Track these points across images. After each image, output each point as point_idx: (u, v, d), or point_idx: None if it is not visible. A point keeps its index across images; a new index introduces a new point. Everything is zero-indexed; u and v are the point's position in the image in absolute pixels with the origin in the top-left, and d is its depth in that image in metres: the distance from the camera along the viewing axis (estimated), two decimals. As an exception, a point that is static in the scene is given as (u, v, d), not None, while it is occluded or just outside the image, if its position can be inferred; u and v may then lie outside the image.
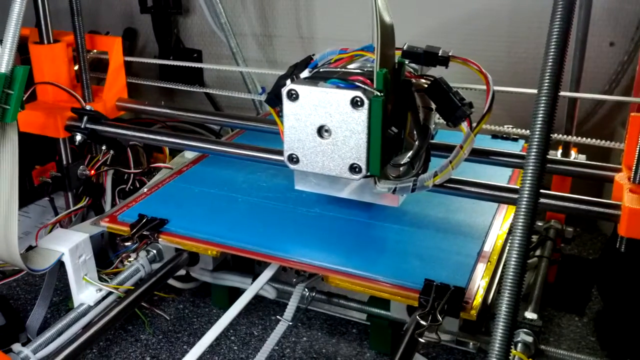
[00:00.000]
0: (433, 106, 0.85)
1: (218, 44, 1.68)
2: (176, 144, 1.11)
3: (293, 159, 0.86)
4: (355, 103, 0.78)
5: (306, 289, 0.97)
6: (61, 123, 1.14)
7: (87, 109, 1.14)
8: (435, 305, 0.78)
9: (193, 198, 1.09)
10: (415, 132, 0.87)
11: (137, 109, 1.29)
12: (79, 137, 1.12)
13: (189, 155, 1.24)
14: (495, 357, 0.62)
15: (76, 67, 1.23)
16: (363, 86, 0.79)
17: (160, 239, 0.98)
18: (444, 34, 1.42)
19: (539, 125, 0.63)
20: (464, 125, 0.81)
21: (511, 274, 0.62)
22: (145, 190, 1.12)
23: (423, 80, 0.85)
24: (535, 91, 1.08)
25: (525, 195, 0.63)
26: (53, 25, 1.19)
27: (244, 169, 1.15)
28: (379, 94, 0.78)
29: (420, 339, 0.75)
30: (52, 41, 1.18)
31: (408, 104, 0.84)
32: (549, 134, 0.63)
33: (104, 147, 1.17)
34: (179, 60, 1.61)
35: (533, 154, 0.63)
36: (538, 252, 1.11)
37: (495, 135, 1.20)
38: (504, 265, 0.63)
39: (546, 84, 0.63)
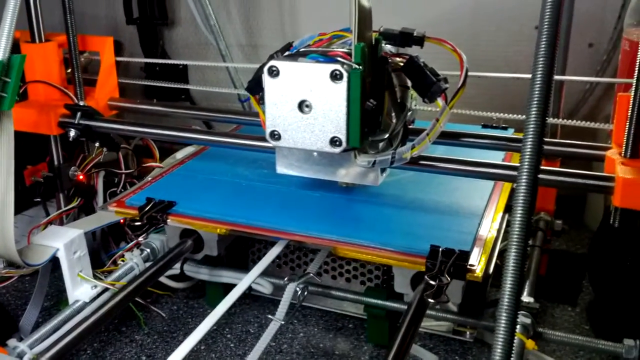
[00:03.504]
0: (409, 84, 0.88)
1: (203, 56, 1.69)
2: (174, 137, 1.12)
3: (275, 135, 0.87)
4: (335, 76, 0.80)
5: (298, 287, 0.97)
6: (54, 120, 1.14)
7: (81, 104, 1.13)
8: (442, 268, 0.79)
9: (198, 183, 1.10)
10: (392, 113, 0.89)
11: (129, 107, 1.29)
12: (72, 133, 1.12)
13: (180, 156, 1.24)
14: (501, 338, 0.62)
15: (68, 70, 1.23)
16: (342, 60, 0.81)
17: (169, 220, 0.99)
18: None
19: (536, 96, 0.64)
20: (440, 100, 0.84)
21: (514, 245, 0.62)
22: (150, 178, 1.12)
23: (399, 59, 0.88)
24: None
25: (525, 168, 0.64)
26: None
27: (243, 160, 1.16)
28: (357, 67, 0.80)
29: (430, 300, 0.76)
30: (43, 40, 1.19)
31: (385, 82, 0.87)
32: (547, 106, 0.64)
33: (97, 144, 1.17)
34: (165, 72, 1.61)
35: (532, 125, 0.64)
36: (530, 242, 1.13)
37: (485, 125, 1.22)
38: (508, 243, 0.63)
39: (541, 57, 0.64)
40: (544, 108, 0.64)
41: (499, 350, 0.61)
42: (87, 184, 1.23)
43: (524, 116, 1.06)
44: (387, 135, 0.88)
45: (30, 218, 1.35)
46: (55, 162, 1.19)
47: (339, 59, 0.81)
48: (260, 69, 0.87)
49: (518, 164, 0.65)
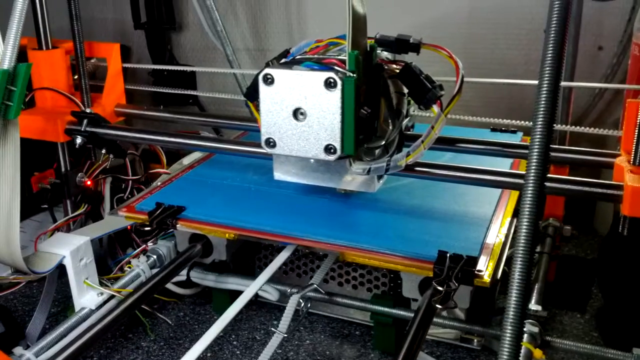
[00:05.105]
0: (405, 91, 0.88)
1: (212, 60, 1.69)
2: (180, 144, 1.11)
3: (270, 142, 0.87)
4: (329, 84, 0.80)
5: (301, 300, 0.96)
6: (61, 127, 1.14)
7: (87, 111, 1.14)
8: (450, 274, 0.79)
9: (207, 188, 1.10)
10: (389, 120, 0.89)
11: (136, 114, 1.29)
12: (79, 140, 1.12)
13: (187, 162, 1.24)
14: (507, 348, 0.61)
15: (75, 77, 1.23)
16: (336, 68, 0.81)
17: (178, 225, 0.99)
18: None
19: (543, 104, 0.63)
20: (435, 107, 0.84)
21: (520, 255, 0.61)
22: (159, 183, 1.13)
23: (395, 66, 0.87)
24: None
25: (532, 177, 0.63)
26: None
27: (251, 165, 1.16)
28: (351, 74, 0.80)
29: (437, 306, 0.76)
30: (50, 47, 1.19)
31: (381, 89, 0.87)
32: (554, 113, 0.64)
33: (103, 151, 1.17)
34: (173, 77, 1.61)
35: (538, 133, 0.63)
36: (538, 249, 1.12)
37: (494, 129, 1.22)
38: (514, 253, 0.62)
39: (549, 63, 0.63)
40: (551, 115, 0.63)
41: (505, 360, 0.60)
42: (94, 190, 1.24)
43: (521, 121, 1.08)
44: (382, 142, 0.87)
45: (38, 223, 1.35)
46: (63, 169, 1.19)
47: (333, 66, 0.82)
48: (257, 78, 0.87)
49: (524, 172, 0.64)
